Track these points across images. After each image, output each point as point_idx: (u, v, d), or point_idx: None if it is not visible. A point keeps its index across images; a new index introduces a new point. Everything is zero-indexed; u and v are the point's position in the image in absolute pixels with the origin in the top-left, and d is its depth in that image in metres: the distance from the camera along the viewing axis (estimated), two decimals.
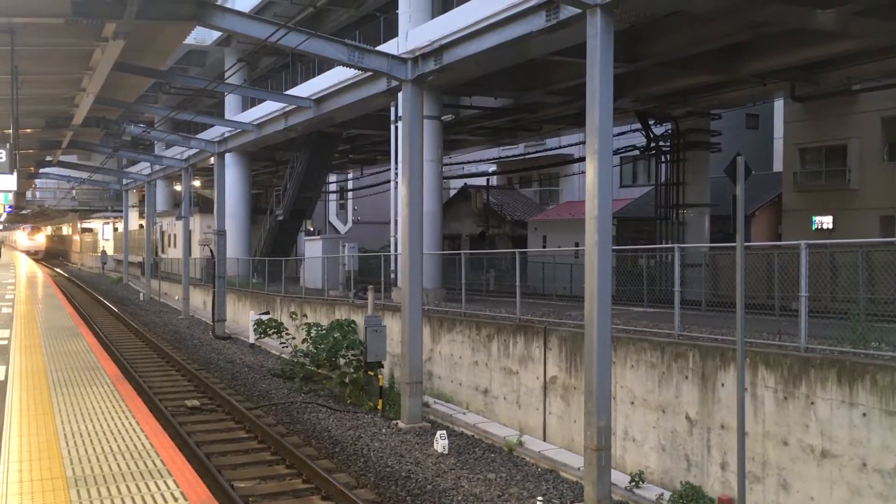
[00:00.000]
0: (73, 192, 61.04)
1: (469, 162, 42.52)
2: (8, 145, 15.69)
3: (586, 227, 10.54)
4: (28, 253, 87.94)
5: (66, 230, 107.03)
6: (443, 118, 21.64)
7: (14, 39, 13.43)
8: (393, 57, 15.21)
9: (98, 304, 38.48)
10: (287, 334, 22.38)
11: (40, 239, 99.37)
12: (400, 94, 16.17)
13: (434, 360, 17.18)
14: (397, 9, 21.66)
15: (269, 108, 26.72)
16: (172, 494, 5.96)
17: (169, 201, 51.67)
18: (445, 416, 15.24)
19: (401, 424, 14.74)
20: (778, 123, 29.35)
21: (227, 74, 25.90)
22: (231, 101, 34.48)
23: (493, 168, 43.67)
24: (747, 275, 9.72)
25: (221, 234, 28.38)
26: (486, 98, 24.43)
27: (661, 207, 26.05)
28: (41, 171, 41.21)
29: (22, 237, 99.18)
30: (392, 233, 21.77)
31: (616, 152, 22.43)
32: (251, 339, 25.01)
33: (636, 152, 28.26)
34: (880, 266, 11.41)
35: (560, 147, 36.61)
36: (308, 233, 41.18)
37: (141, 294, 44.08)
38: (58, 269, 70.14)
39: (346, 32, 25.80)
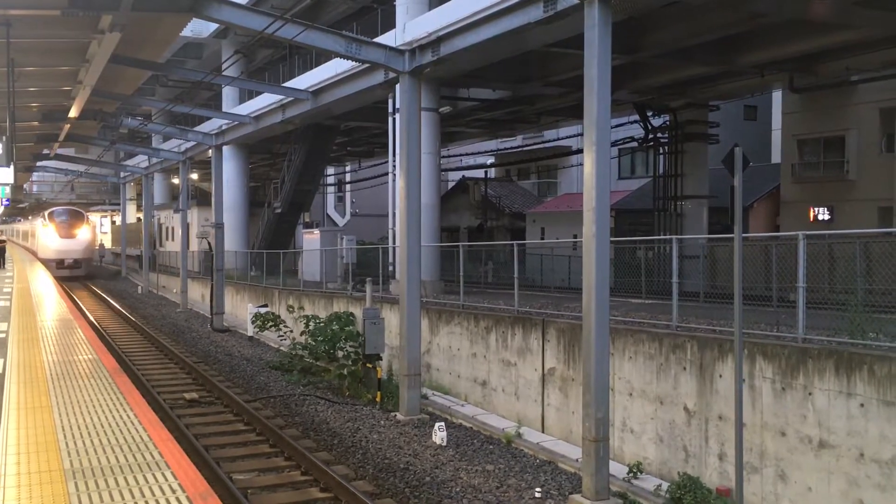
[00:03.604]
0: (72, 185, 58.16)
1: (467, 154, 42.42)
2: (4, 138, 15.67)
3: (584, 218, 10.54)
4: (59, 264, 47.51)
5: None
6: (440, 110, 21.59)
7: (10, 32, 13.38)
8: (390, 49, 15.17)
9: (96, 298, 38.47)
10: (285, 327, 22.38)
11: (83, 235, 50.36)
12: (397, 86, 16.14)
13: (432, 353, 17.19)
14: (395, 0, 21.59)
15: (266, 100, 26.65)
16: (170, 486, 5.96)
17: (167, 194, 51.57)
18: (444, 407, 15.26)
19: (399, 416, 14.76)
20: (776, 115, 29.31)
21: (224, 67, 25.84)
22: (228, 94, 34.38)
23: (491, 160, 43.61)
24: (745, 266, 9.72)
25: (219, 226, 28.36)
26: (484, 90, 24.37)
27: (659, 199, 26.02)
28: (38, 164, 41.15)
29: (48, 234, 49.51)
30: (390, 225, 21.75)
31: (614, 144, 22.41)
32: (249, 332, 25.02)
33: (634, 144, 28.19)
34: (878, 257, 11.41)
35: (558, 139, 36.57)
36: (306, 225, 41.11)
37: (139, 287, 44.06)
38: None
39: (343, 24, 25.70)
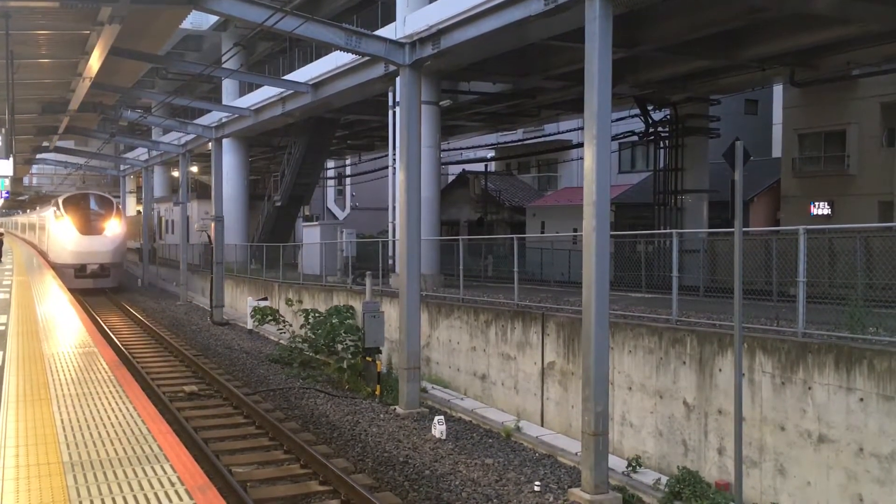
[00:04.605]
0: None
1: (467, 148, 42.40)
2: (4, 130, 15.63)
3: (584, 212, 10.52)
4: (79, 271, 35.28)
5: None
6: (441, 103, 21.54)
7: (9, 23, 13.34)
8: (391, 41, 15.13)
9: (96, 291, 38.43)
10: (284, 321, 22.39)
11: (112, 230, 36.97)
12: (398, 79, 16.10)
13: (432, 346, 17.19)
14: None
15: (266, 93, 26.60)
16: (169, 479, 5.95)
17: (167, 187, 51.53)
18: (443, 401, 15.26)
19: (399, 410, 14.76)
20: (777, 109, 29.26)
21: (223, 59, 25.78)
22: (228, 87, 34.32)
23: (491, 154, 43.57)
24: (745, 260, 9.71)
25: (219, 219, 28.34)
26: (485, 83, 24.32)
27: (659, 193, 25.98)
28: (38, 156, 41.08)
29: (63, 230, 35.95)
30: (390, 219, 21.72)
31: (614, 138, 22.32)
32: (249, 325, 25.04)
33: (635, 138, 28.15)
34: (879, 252, 11.40)
35: (558, 133, 36.53)
36: (306, 219, 41.08)
37: (139, 280, 44.05)
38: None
39: (343, 17, 25.63)
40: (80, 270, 35.18)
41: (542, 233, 31.47)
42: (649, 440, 11.64)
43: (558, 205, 33.35)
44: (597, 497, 10.13)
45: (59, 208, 36.63)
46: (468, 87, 24.63)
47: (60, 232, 35.83)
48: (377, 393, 16.00)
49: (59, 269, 32.22)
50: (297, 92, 22.88)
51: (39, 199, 57.67)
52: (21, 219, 66.07)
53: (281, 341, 22.17)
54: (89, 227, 35.87)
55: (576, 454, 11.61)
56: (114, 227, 36.77)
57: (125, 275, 40.92)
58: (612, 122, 12.03)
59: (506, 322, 14.88)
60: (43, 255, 39.86)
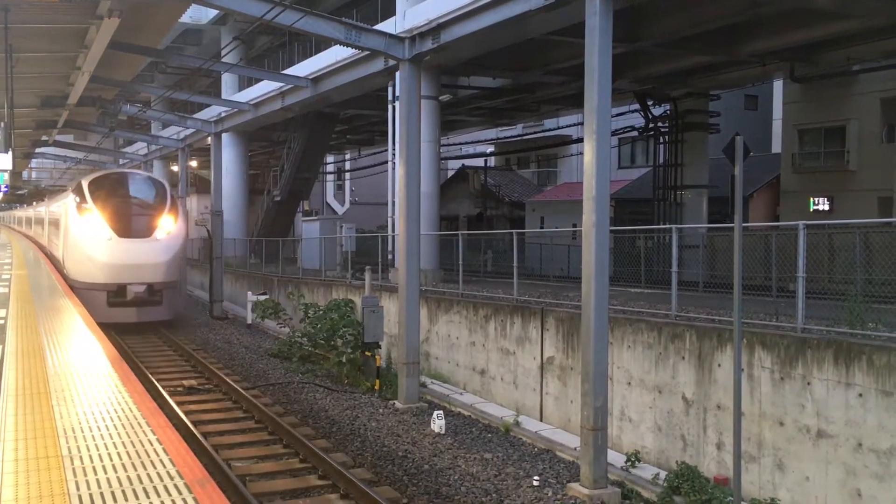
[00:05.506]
0: (73, 171, 54.68)
1: (467, 143, 42.36)
2: (3, 124, 15.60)
3: (584, 207, 10.52)
4: (116, 294, 21.97)
5: None
6: (440, 98, 21.50)
7: (8, 17, 13.30)
8: (390, 36, 15.11)
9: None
10: (284, 315, 22.39)
11: (166, 229, 23.10)
12: (397, 74, 16.09)
13: (431, 341, 17.19)
14: None
15: (266, 87, 26.55)
16: (168, 473, 5.95)
17: (166, 182, 51.41)
18: (442, 396, 15.27)
19: (398, 404, 14.78)
20: (777, 105, 29.26)
21: (223, 53, 25.72)
22: (228, 81, 34.25)
23: (490, 149, 43.53)
24: (745, 256, 9.70)
25: (218, 214, 28.30)
26: (484, 78, 24.28)
27: (659, 189, 25.99)
28: (37, 150, 41.03)
29: (89, 229, 22.25)
30: (389, 213, 21.71)
31: (614, 133, 22.34)
32: (248, 320, 25.04)
33: (635, 133, 28.15)
34: (878, 247, 11.40)
35: (558, 128, 36.49)
36: (306, 213, 41.05)
37: None
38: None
39: (343, 11, 25.57)
40: (116, 294, 22.44)
41: (542, 228, 31.47)
42: (648, 435, 11.65)
43: (558, 200, 33.34)
44: (595, 492, 10.15)
45: (83, 196, 23.73)
46: (468, 81, 24.59)
47: (85, 233, 22.98)
48: (376, 388, 16.01)
49: (81, 292, 20.22)
50: (297, 86, 22.84)
51: (38, 193, 53.07)
52: (25, 213, 53.37)
53: (280, 336, 22.18)
54: (131, 225, 23.26)
55: (575, 449, 11.63)
56: (168, 226, 23.70)
57: (184, 300, 27.42)
58: (612, 117, 12.02)
59: (505, 317, 14.88)
60: (55, 263, 26.72)
